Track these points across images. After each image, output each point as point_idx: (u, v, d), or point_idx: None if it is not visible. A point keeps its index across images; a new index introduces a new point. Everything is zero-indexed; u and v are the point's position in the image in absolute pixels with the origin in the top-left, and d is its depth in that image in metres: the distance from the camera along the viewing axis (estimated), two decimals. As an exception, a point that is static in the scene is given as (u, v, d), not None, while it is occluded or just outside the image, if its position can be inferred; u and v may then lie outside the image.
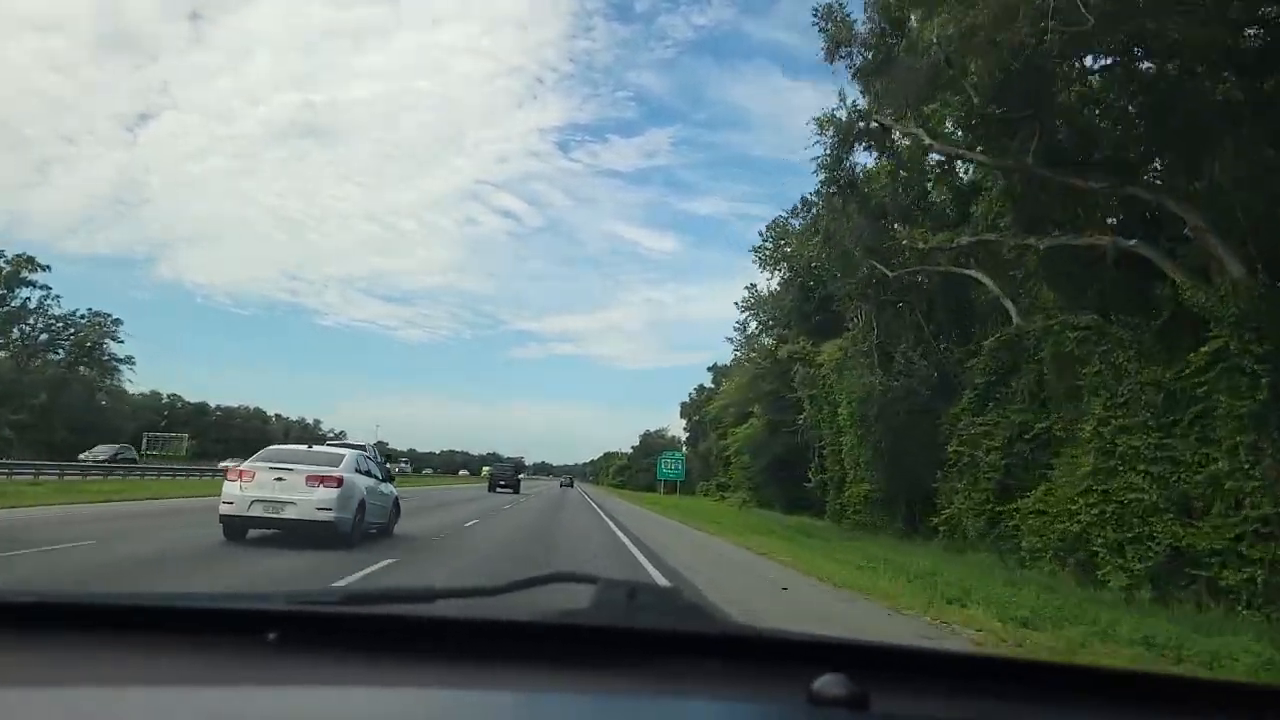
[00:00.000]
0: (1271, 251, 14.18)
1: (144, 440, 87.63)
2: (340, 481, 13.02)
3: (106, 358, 68.79)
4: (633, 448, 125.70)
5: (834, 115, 21.42)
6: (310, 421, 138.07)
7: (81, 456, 50.99)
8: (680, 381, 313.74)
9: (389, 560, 11.72)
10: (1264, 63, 14.39)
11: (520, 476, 65.86)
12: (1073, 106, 17.55)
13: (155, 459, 71.72)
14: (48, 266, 62.20)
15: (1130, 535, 14.53)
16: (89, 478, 33.82)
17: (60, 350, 63.66)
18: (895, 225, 22.81)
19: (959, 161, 21.85)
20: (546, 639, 1.26)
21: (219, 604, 1.43)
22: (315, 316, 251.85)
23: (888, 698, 1.12)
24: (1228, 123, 14.32)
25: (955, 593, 11.30)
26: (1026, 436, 20.71)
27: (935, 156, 22.48)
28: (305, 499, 12.63)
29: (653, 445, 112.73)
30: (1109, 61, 16.82)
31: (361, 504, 13.64)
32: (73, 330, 64.07)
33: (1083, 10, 12.30)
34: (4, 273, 60.64)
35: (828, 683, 1.07)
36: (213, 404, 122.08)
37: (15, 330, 64.20)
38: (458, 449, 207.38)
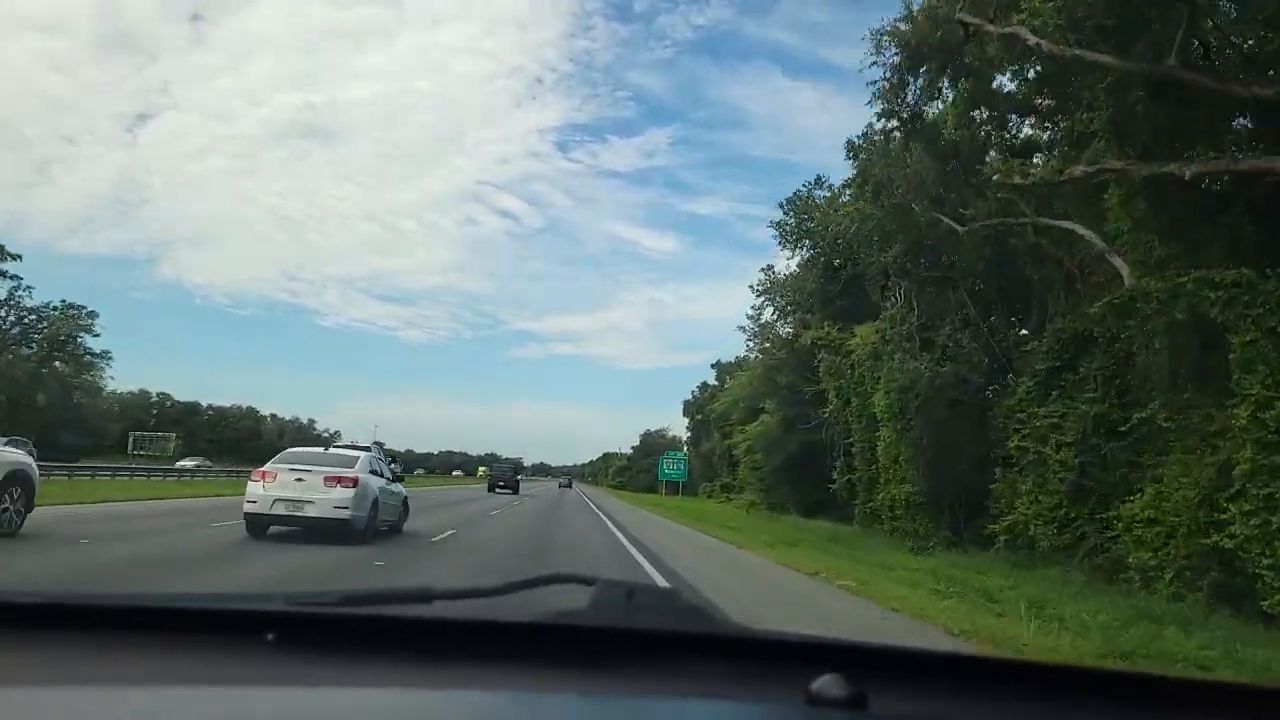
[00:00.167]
0: None
1: (130, 440, 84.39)
2: (356, 482, 13.64)
3: (82, 352, 64.87)
4: (633, 448, 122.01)
5: (896, 26, 17.55)
6: (305, 421, 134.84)
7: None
8: (680, 381, 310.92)
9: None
10: None
11: (519, 477, 65.38)
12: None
13: (142, 459, 68.37)
14: (19, 256, 58.56)
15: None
16: (52, 477, 30.32)
17: (33, 344, 59.80)
18: (979, 164, 18.78)
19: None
20: (545, 640, 1.24)
21: (218, 604, 1.41)
22: (315, 317, 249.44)
23: (886, 698, 1.11)
24: None
25: (1129, 641, 7.65)
26: (1121, 429, 17.02)
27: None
28: (324, 498, 13.22)
29: (653, 445, 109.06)
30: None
31: (375, 503, 14.25)
32: (45, 324, 60.24)
33: None
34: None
35: (826, 683, 1.05)
36: (205, 403, 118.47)
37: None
38: (456, 449, 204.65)
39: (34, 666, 1.14)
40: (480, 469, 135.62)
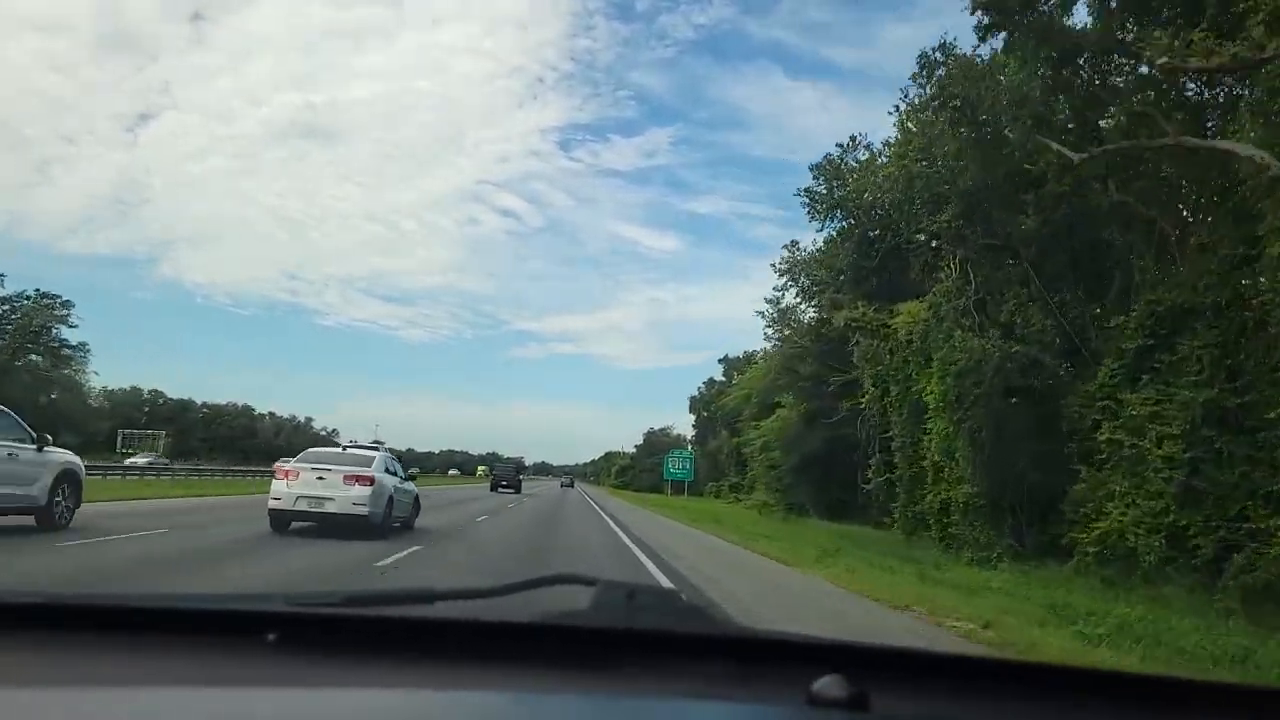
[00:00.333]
0: None
1: (119, 438, 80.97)
2: (373, 480, 14.27)
3: (58, 344, 61.24)
4: (636, 447, 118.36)
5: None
6: (302, 420, 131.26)
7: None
8: (681, 381, 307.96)
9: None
10: None
11: (521, 477, 64.39)
12: None
13: (131, 457, 64.94)
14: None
15: None
16: None
17: (4, 335, 56.19)
18: (1105, 68, 15.12)
19: None
20: (546, 640, 1.23)
21: (219, 605, 1.40)
22: (316, 316, 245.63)
23: (887, 699, 1.10)
24: None
25: None
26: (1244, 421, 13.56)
27: None
28: (343, 495, 13.85)
29: (657, 444, 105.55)
30: None
31: (390, 500, 14.87)
32: (18, 315, 56.66)
33: None
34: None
35: (827, 684, 1.04)
36: (200, 401, 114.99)
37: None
38: (457, 449, 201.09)
39: (35, 667, 1.13)
40: (479, 468, 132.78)
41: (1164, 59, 11.83)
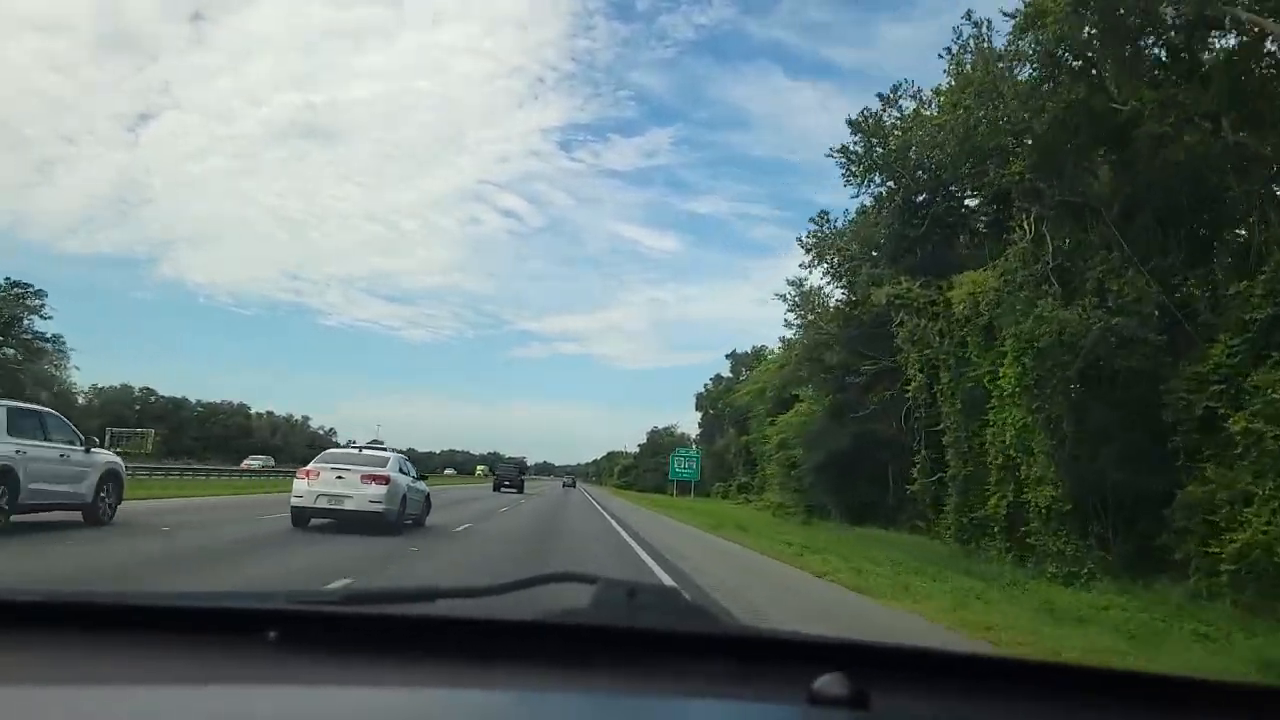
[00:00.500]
0: None
1: (107, 436, 77.78)
2: (388, 480, 15.04)
3: (30, 336, 57.71)
4: (639, 446, 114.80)
5: None
6: (298, 419, 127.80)
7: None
8: (682, 381, 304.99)
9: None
10: None
11: (523, 477, 63.26)
12: None
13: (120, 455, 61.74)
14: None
15: None
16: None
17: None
18: None
19: None
20: (547, 638, 1.22)
21: (219, 603, 1.38)
22: (318, 316, 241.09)
23: (888, 697, 1.09)
24: None
25: None
26: None
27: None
28: (360, 494, 14.57)
29: (660, 443, 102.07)
30: None
31: (404, 498, 15.62)
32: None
33: None
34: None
35: (828, 682, 1.03)
36: (194, 399, 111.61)
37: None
38: (458, 448, 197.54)
39: (35, 665, 1.12)
40: (478, 468, 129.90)
41: None
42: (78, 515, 12.72)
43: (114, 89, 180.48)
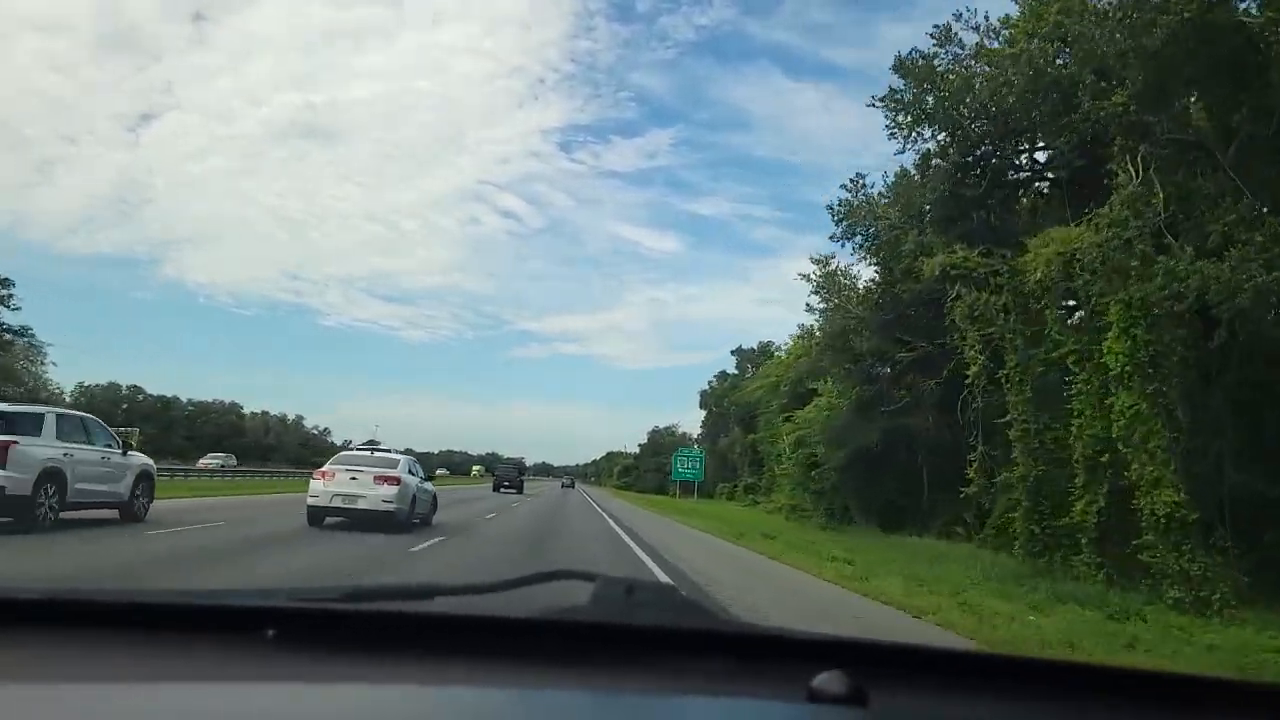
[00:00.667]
0: None
1: (90, 435, 74.27)
2: (399, 481, 15.74)
3: (-4, 326, 54.11)
4: (640, 446, 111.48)
5: None
6: (291, 418, 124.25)
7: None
8: (683, 381, 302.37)
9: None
10: None
11: (522, 478, 62.31)
12: None
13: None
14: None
15: None
16: None
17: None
18: None
19: None
20: (546, 636, 1.21)
21: (218, 601, 1.35)
22: (317, 316, 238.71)
23: (887, 695, 1.08)
24: None
25: None
26: None
27: None
28: (373, 494, 15.32)
29: (661, 443, 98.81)
30: None
31: (413, 498, 16.33)
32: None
33: None
34: None
35: (827, 680, 1.02)
36: (185, 398, 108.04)
37: None
38: (457, 449, 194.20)
39: (35, 664, 1.11)
40: (474, 468, 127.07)
41: None
42: (114, 513, 13.65)
43: (114, 89, 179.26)
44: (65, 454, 12.22)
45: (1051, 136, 15.68)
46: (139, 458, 14.68)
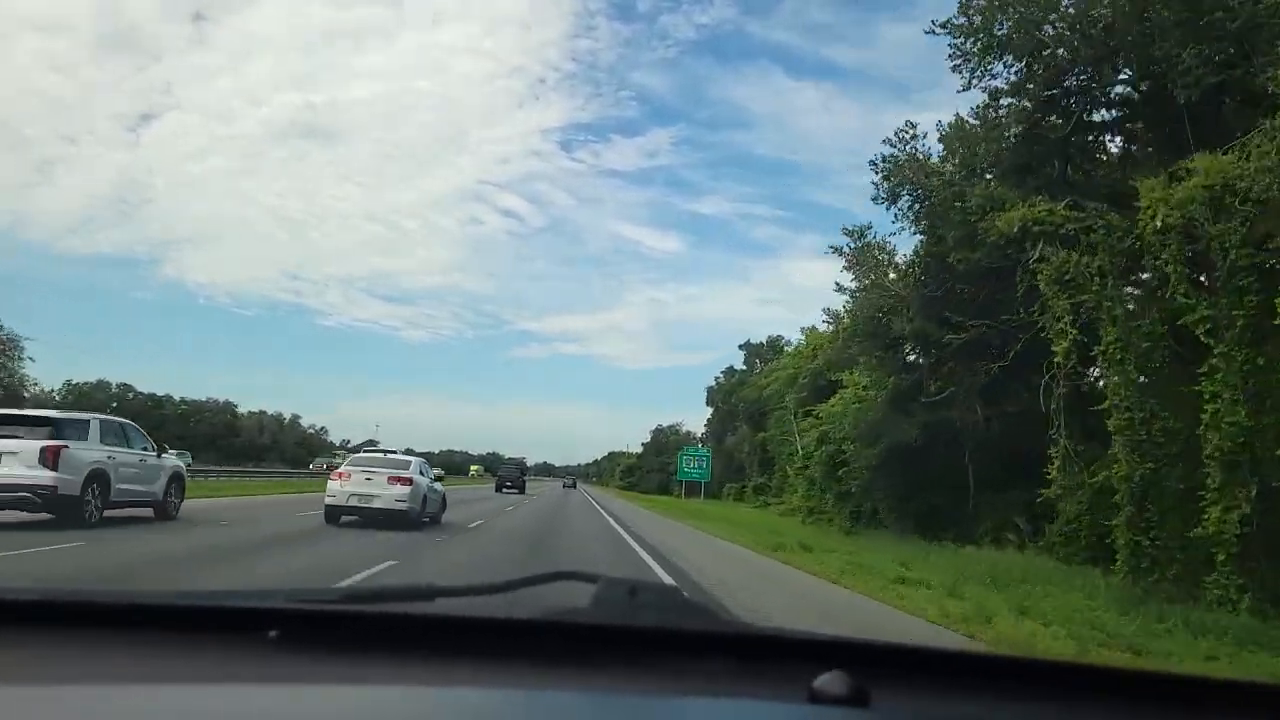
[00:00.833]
0: None
1: (75, 434, 71.17)
2: (411, 481, 16.55)
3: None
4: (643, 445, 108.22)
5: None
6: (287, 418, 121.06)
7: None
8: (683, 381, 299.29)
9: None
10: None
11: (524, 478, 61.48)
12: None
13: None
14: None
15: None
16: None
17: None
18: None
19: None
20: (547, 636, 1.20)
21: (220, 602, 1.34)
22: (317, 316, 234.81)
23: (888, 695, 1.07)
24: None
25: None
26: None
27: None
28: (387, 494, 16.09)
29: (665, 443, 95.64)
30: None
31: (424, 498, 17.22)
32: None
33: None
34: None
35: (828, 680, 1.01)
36: (178, 397, 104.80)
37: None
38: (457, 449, 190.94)
39: (34, 665, 1.10)
40: (472, 468, 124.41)
41: None
42: (149, 512, 14.36)
43: (114, 89, 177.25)
44: (109, 457, 13.08)
45: (1178, 46, 12.34)
46: (171, 460, 15.51)
